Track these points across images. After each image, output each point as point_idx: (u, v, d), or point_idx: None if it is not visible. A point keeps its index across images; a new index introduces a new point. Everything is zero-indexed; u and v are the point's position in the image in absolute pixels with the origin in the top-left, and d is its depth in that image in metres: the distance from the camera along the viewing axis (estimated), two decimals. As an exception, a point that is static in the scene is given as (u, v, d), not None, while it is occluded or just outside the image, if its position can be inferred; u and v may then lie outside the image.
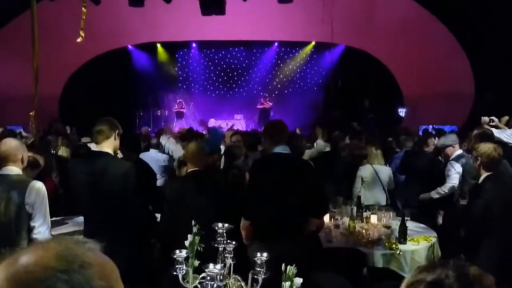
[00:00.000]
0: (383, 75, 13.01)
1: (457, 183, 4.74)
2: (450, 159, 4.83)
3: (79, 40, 4.73)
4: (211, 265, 1.74)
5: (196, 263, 1.98)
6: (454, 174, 4.78)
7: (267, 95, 14.50)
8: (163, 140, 6.07)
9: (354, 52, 13.27)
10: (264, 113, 14.15)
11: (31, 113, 3.63)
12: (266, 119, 13.65)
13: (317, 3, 10.06)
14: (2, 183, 2.70)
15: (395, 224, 3.94)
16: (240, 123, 13.96)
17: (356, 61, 13.04)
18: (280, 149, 2.97)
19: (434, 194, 4.91)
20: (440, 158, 5.38)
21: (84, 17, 4.75)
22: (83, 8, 4.84)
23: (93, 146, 6.22)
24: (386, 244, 3.62)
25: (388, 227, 3.96)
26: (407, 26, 11.10)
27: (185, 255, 1.89)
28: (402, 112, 13.53)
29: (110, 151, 2.99)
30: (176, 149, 5.79)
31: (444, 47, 11.00)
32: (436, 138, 6.01)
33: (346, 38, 13.01)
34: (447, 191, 4.85)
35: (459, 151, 4.93)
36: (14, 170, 2.75)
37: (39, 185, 2.75)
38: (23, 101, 9.91)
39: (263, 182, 2.90)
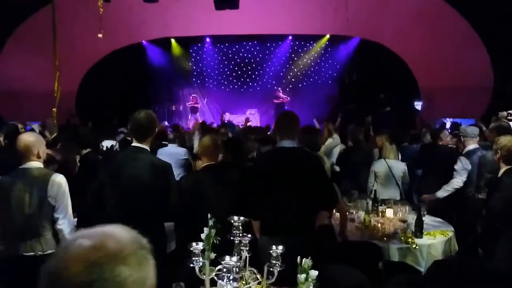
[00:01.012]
0: (399, 67, 12.84)
1: (464, 179, 4.68)
2: (463, 153, 4.78)
3: (100, 35, 4.79)
4: (227, 258, 1.76)
5: (213, 255, 2.01)
6: (462, 171, 4.70)
7: (280, 89, 14.45)
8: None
9: (369, 44, 13.11)
10: (281, 107, 14.13)
11: (54, 109, 3.70)
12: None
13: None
14: (25, 176, 2.79)
15: (411, 218, 3.91)
16: (254, 117, 13.97)
17: (371, 53, 12.89)
18: (286, 143, 2.94)
19: (440, 194, 4.77)
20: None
21: (101, 10, 4.81)
22: (99, 3, 4.90)
23: (108, 143, 6.33)
24: (402, 238, 3.60)
25: (404, 221, 3.94)
26: (424, 18, 10.92)
27: (202, 248, 1.92)
28: (418, 105, 13.35)
29: (148, 148, 2.96)
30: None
31: (462, 39, 10.78)
32: (447, 132, 5.94)
33: (361, 31, 12.86)
34: (453, 188, 4.75)
35: (472, 146, 4.86)
36: (35, 164, 2.84)
37: (60, 178, 2.85)
38: (41, 97, 10.13)
39: (267, 178, 2.89)
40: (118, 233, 0.82)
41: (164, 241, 3.03)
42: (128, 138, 5.89)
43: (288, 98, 14.26)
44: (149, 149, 2.98)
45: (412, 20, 11.13)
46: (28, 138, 2.89)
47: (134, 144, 2.96)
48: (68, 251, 0.78)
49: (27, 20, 10.59)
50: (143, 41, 14.28)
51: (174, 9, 11.13)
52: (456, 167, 4.71)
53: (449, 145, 5.50)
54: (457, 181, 4.72)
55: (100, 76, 12.87)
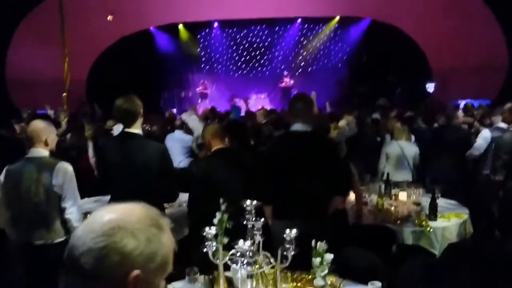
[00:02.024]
0: (411, 48, 12.59)
1: (481, 150, 4.89)
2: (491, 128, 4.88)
3: (109, 18, 4.76)
4: (240, 242, 1.75)
5: (226, 240, 2.01)
6: (481, 141, 4.92)
7: (287, 73, 14.30)
8: (185, 116, 6.07)
9: (380, 25, 12.86)
10: (287, 91, 14.02)
11: (64, 94, 3.69)
12: (288, 98, 13.59)
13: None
14: (31, 165, 2.76)
15: (425, 201, 3.86)
16: (263, 102, 13.89)
17: (383, 34, 12.65)
18: (298, 126, 2.89)
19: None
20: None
21: None
22: None
23: (118, 129, 6.35)
24: (416, 221, 3.56)
25: (417, 204, 3.89)
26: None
27: (215, 232, 1.91)
28: (430, 87, 13.12)
29: (140, 131, 2.97)
30: (198, 128, 5.78)
31: (475, 18, 10.50)
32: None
33: (372, 11, 12.60)
34: (473, 155, 5.01)
35: (498, 124, 4.94)
36: (42, 152, 2.80)
37: (66, 166, 2.80)
38: (51, 84, 10.18)
39: (279, 162, 2.85)
40: (138, 210, 0.90)
41: None
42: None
43: (292, 82, 14.10)
44: (141, 133, 2.97)
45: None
46: (36, 124, 2.85)
47: (125, 130, 2.97)
48: (91, 221, 0.88)
49: (35, 7, 10.57)
50: (151, 28, 14.20)
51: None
52: (476, 139, 4.95)
53: (463, 125, 5.47)
54: (473, 151, 4.97)
55: (109, 63, 12.87)
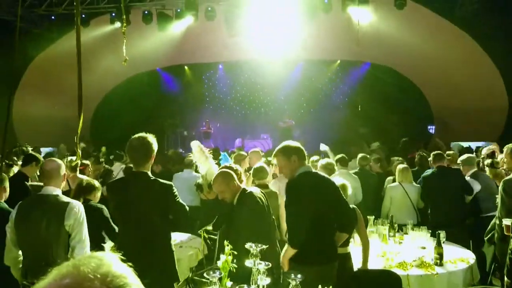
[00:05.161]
0: (411, 91, 12.84)
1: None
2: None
3: (124, 63, 4.87)
4: (245, 286, 1.73)
5: (229, 283, 1.97)
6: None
7: (287, 113, 14.49)
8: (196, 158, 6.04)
9: (380, 68, 13.19)
10: (286, 131, 14.13)
11: (76, 136, 3.73)
12: (288, 138, 13.63)
13: (343, 22, 10.10)
14: (44, 203, 2.79)
15: (430, 245, 3.80)
16: (266, 142, 13.97)
17: (383, 77, 12.96)
18: (307, 168, 2.94)
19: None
20: None
21: (125, 40, 4.93)
22: (123, 30, 5.03)
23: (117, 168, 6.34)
24: (422, 265, 3.49)
25: (423, 248, 3.83)
26: (435, 41, 10.95)
27: (219, 276, 1.89)
28: (431, 129, 13.25)
29: (149, 171, 3.00)
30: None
31: (474, 61, 10.75)
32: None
33: (372, 56, 12.95)
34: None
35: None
36: (55, 190, 2.84)
37: (78, 206, 2.83)
38: (58, 123, 10.32)
39: (303, 204, 2.83)
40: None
41: (172, 259, 3.00)
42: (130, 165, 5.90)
43: (293, 122, 14.24)
44: (149, 173, 2.97)
45: (423, 44, 11.16)
46: (53, 163, 2.92)
47: (134, 170, 3.01)
48: None
49: (45, 50, 10.90)
50: (158, 68, 14.58)
51: (187, 37, 11.39)
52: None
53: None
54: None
55: (114, 102, 13.11)
